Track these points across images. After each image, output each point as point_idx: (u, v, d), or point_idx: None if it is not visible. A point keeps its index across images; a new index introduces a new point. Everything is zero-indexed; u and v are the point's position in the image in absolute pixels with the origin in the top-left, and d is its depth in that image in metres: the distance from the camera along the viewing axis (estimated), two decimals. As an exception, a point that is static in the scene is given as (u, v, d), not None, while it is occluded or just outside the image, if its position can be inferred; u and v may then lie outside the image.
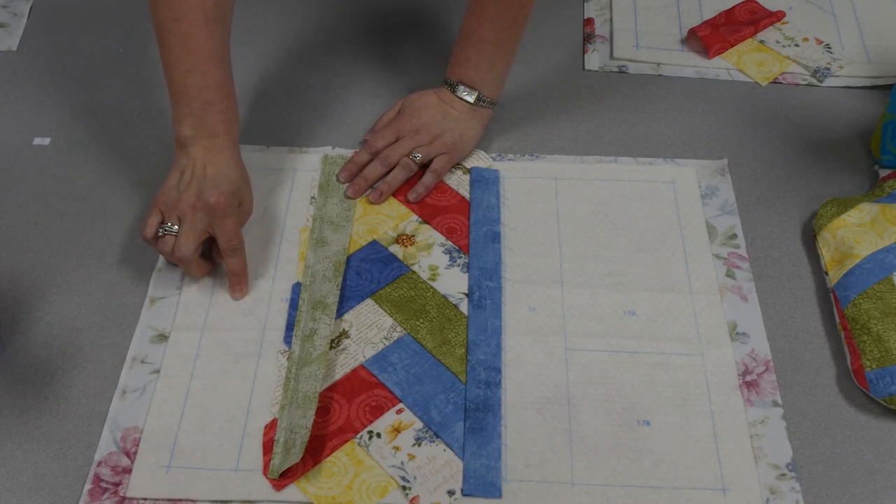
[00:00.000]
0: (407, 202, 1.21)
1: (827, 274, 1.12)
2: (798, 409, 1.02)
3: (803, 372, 1.05)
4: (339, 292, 1.10)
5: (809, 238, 1.18)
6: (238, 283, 1.11)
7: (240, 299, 1.11)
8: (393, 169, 1.22)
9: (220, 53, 1.08)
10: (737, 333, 1.08)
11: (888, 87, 1.35)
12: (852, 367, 1.04)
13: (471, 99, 1.23)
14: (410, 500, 0.94)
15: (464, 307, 1.10)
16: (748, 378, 1.04)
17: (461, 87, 1.23)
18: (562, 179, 1.23)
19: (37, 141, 1.29)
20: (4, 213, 1.20)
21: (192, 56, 1.06)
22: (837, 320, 1.08)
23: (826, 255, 1.13)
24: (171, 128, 1.27)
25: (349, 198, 1.21)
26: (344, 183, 1.22)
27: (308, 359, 1.03)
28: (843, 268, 1.10)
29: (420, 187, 1.21)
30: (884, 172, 1.23)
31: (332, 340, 1.06)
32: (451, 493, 0.95)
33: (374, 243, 1.16)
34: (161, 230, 1.07)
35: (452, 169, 1.25)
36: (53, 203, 1.21)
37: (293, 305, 1.09)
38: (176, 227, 1.06)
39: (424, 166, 1.23)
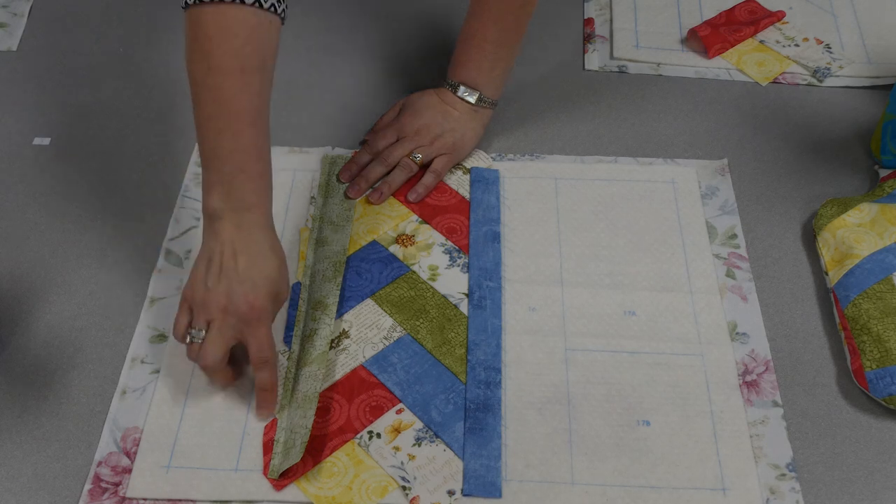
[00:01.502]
0: (407, 202, 1.21)
1: (827, 274, 1.12)
2: (798, 409, 1.02)
3: (803, 372, 1.05)
4: (339, 292, 1.09)
5: (809, 238, 1.18)
6: (267, 400, 1.00)
7: (266, 420, 1.00)
8: (393, 169, 1.22)
9: (257, 108, 0.97)
10: (737, 333, 1.08)
11: (888, 87, 1.35)
12: (852, 367, 1.04)
13: (472, 99, 1.23)
14: (410, 501, 0.94)
15: (464, 307, 1.10)
16: (748, 378, 1.04)
17: (462, 88, 1.23)
18: (562, 179, 1.23)
19: (37, 141, 1.29)
20: (4, 213, 1.20)
21: (225, 113, 0.96)
22: (837, 320, 1.08)
23: (826, 255, 1.13)
24: (170, 128, 1.28)
25: (349, 198, 1.21)
26: (344, 183, 1.22)
27: (308, 359, 1.03)
28: (843, 268, 1.10)
29: (420, 188, 1.21)
30: (884, 172, 1.22)
31: (332, 340, 1.06)
32: (451, 493, 0.95)
33: (373, 243, 1.16)
34: (188, 336, 0.98)
35: (452, 169, 1.25)
36: (53, 203, 1.21)
37: (293, 305, 1.09)
38: (203, 332, 0.97)
39: (425, 166, 1.23)
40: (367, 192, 1.22)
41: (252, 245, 0.97)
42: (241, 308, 0.95)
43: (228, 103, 0.95)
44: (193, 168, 1.24)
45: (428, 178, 1.22)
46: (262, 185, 0.99)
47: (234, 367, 1.02)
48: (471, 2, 1.20)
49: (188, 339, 0.98)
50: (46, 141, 1.29)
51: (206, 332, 0.97)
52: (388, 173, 1.22)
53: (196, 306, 0.97)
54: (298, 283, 1.12)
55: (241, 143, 0.96)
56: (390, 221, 1.19)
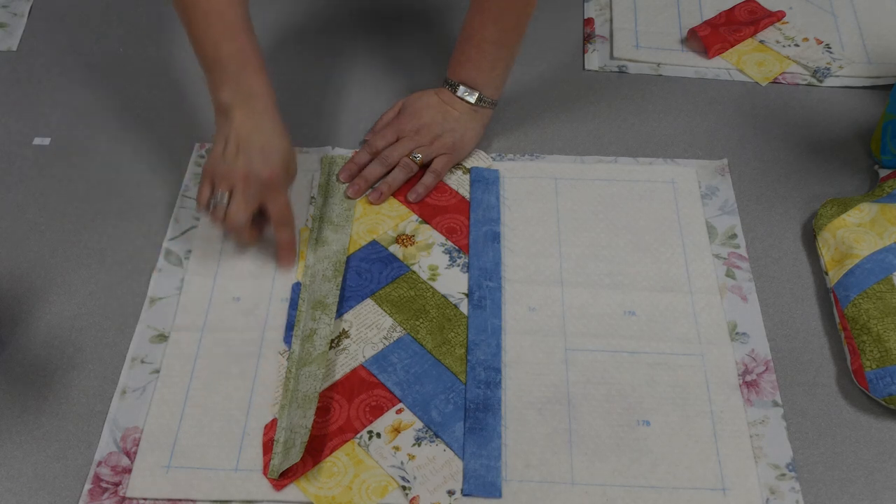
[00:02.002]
0: (407, 202, 1.21)
1: (827, 274, 1.12)
2: (798, 409, 1.02)
3: (803, 372, 1.05)
4: (339, 292, 1.10)
5: (809, 238, 1.18)
6: (287, 256, 1.13)
7: (288, 271, 1.13)
8: (393, 169, 1.22)
9: (245, 23, 1.11)
10: (737, 333, 1.08)
11: (888, 87, 1.35)
12: (852, 367, 1.04)
13: (472, 99, 1.23)
14: (410, 500, 0.94)
15: (464, 307, 1.10)
16: (748, 378, 1.04)
17: (462, 88, 1.23)
18: (562, 179, 1.23)
19: (37, 141, 1.29)
20: (4, 213, 1.20)
21: (219, 26, 1.09)
22: (837, 320, 1.08)
23: (826, 255, 1.13)
24: (170, 128, 1.28)
25: (349, 198, 1.21)
26: (344, 183, 1.22)
27: (308, 359, 1.03)
28: (843, 268, 1.10)
29: (420, 187, 1.21)
30: (884, 172, 1.22)
31: (332, 340, 1.06)
32: (451, 492, 0.95)
33: (373, 243, 1.16)
34: (212, 202, 1.09)
35: (452, 169, 1.25)
36: (53, 203, 1.21)
37: (293, 305, 1.09)
38: (226, 197, 1.08)
39: (424, 166, 1.23)
40: (367, 193, 1.22)
41: (263, 126, 1.09)
42: (262, 175, 1.08)
43: (220, 19, 1.09)
44: (193, 168, 1.24)
45: (428, 178, 1.22)
46: (264, 78, 1.11)
47: (255, 229, 1.13)
48: (471, 1, 1.20)
49: (212, 205, 1.09)
50: (46, 141, 1.29)
51: (231, 197, 1.08)
52: (387, 173, 1.22)
53: (218, 177, 1.09)
54: (298, 283, 1.12)
55: (239, 45, 1.09)
56: (390, 221, 1.19)
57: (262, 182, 1.08)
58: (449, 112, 1.23)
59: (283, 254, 1.13)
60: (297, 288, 1.11)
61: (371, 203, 1.20)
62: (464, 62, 1.23)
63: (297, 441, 0.95)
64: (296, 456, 0.94)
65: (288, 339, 1.07)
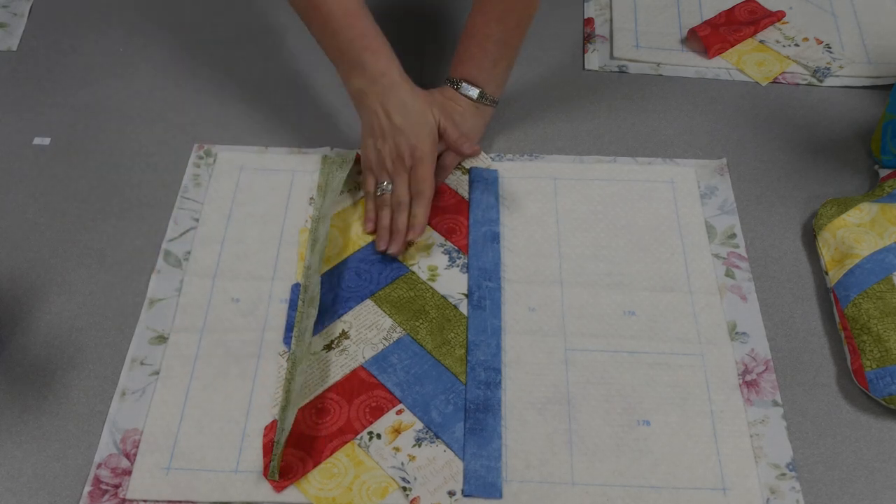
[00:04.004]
0: None
1: (827, 274, 1.12)
2: (798, 408, 1.02)
3: (803, 372, 1.05)
4: (319, 279, 1.10)
5: (809, 238, 1.18)
6: (417, 225, 1.14)
7: (396, 255, 1.14)
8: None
9: (359, 6, 1.16)
10: (736, 333, 1.08)
11: (888, 87, 1.35)
12: (852, 367, 1.04)
13: (474, 95, 1.23)
14: (411, 501, 0.94)
15: (463, 307, 1.10)
16: (748, 378, 1.04)
17: (464, 84, 1.23)
18: (561, 179, 1.23)
19: (37, 141, 1.29)
20: (4, 213, 1.20)
21: (336, 16, 1.14)
22: (837, 320, 1.08)
23: (826, 254, 1.13)
24: (170, 128, 1.28)
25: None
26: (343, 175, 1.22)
27: (302, 357, 1.03)
28: (843, 267, 1.10)
29: None
30: (884, 172, 1.22)
31: (332, 341, 1.07)
32: (451, 493, 0.95)
33: (373, 244, 1.16)
34: (379, 191, 1.17)
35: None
36: (53, 203, 1.21)
37: (292, 306, 1.09)
38: (389, 184, 1.16)
39: None
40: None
41: (397, 101, 1.15)
42: (405, 154, 1.14)
43: (332, 12, 1.14)
44: (192, 169, 1.24)
45: (437, 174, 1.22)
46: (386, 53, 1.16)
47: None
48: (474, 1, 1.20)
49: (379, 192, 1.17)
50: (46, 141, 1.29)
51: (392, 183, 1.16)
52: None
53: (375, 168, 1.18)
54: (298, 284, 1.12)
55: (358, 31, 1.15)
56: (389, 222, 1.18)
57: (408, 160, 1.14)
58: (453, 108, 1.23)
59: (411, 227, 1.15)
60: (296, 289, 1.11)
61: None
62: (466, 60, 1.23)
63: (282, 438, 0.96)
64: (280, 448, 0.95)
65: (287, 340, 1.07)
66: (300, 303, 1.08)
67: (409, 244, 1.15)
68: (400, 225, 1.14)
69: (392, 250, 1.13)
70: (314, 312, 1.06)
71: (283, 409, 0.99)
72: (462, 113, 1.23)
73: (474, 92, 1.23)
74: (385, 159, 1.16)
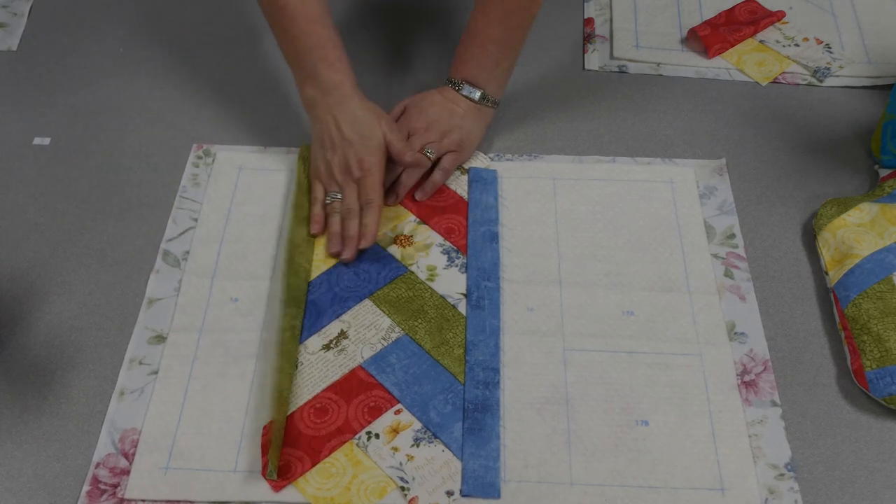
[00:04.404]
0: (405, 203, 1.21)
1: (827, 274, 1.12)
2: (798, 408, 1.02)
3: (803, 372, 1.05)
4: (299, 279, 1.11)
5: (809, 238, 1.18)
6: (368, 234, 1.13)
7: (348, 261, 1.15)
8: (405, 171, 1.21)
9: (320, 14, 1.16)
10: (735, 333, 1.08)
11: (888, 87, 1.35)
12: (852, 367, 1.04)
13: (475, 97, 1.23)
14: (409, 501, 0.94)
15: (462, 307, 1.10)
16: (746, 378, 1.04)
17: (466, 86, 1.23)
18: (560, 179, 1.23)
19: (37, 141, 1.29)
20: (4, 213, 1.20)
21: (296, 22, 1.15)
22: (837, 320, 1.08)
23: (826, 254, 1.13)
24: (170, 128, 1.28)
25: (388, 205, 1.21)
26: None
27: (288, 355, 1.04)
28: (844, 267, 1.10)
29: (428, 185, 1.21)
30: (884, 172, 1.22)
31: (331, 341, 1.07)
32: (449, 493, 0.95)
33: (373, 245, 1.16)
34: (328, 199, 1.18)
35: (450, 168, 1.25)
36: (53, 203, 1.21)
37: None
38: (339, 194, 1.17)
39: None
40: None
41: (348, 113, 1.16)
42: (354, 166, 1.15)
43: (295, 16, 1.15)
44: (191, 169, 1.25)
45: (437, 176, 1.22)
46: (342, 66, 1.17)
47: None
48: (476, 1, 1.20)
49: (328, 201, 1.17)
50: (46, 141, 1.29)
51: (342, 193, 1.17)
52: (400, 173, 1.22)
53: (324, 178, 1.18)
54: None
55: (316, 40, 1.16)
56: (388, 222, 1.19)
57: (356, 171, 1.15)
58: (454, 109, 1.23)
59: (361, 236, 1.14)
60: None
61: (388, 205, 1.21)
62: (467, 60, 1.23)
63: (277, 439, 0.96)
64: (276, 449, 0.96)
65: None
66: (280, 304, 1.09)
67: (360, 251, 1.15)
68: (351, 231, 1.15)
69: (345, 256, 1.14)
70: (297, 313, 1.07)
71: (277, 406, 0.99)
72: (462, 115, 1.23)
73: (476, 93, 1.23)
74: (334, 170, 1.17)
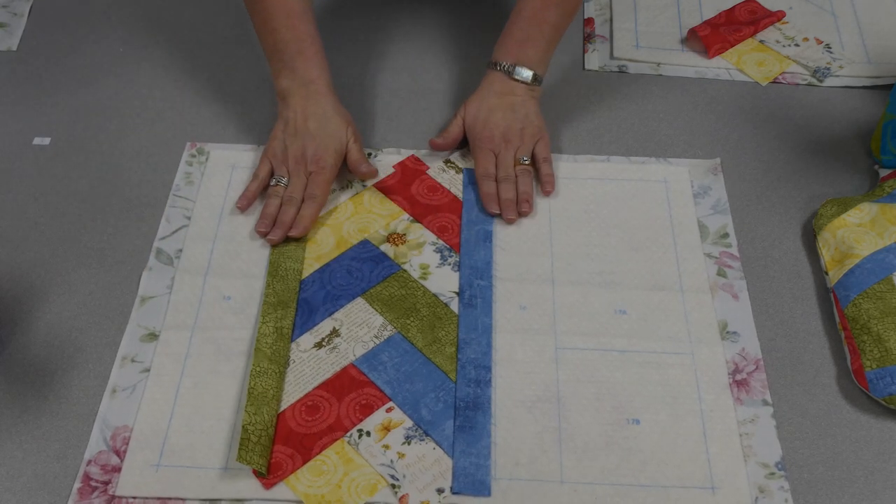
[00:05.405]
0: (399, 201, 1.21)
1: (827, 274, 1.12)
2: (798, 408, 1.02)
3: (803, 372, 1.05)
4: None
5: (809, 238, 1.17)
6: (301, 225, 1.15)
7: (273, 243, 1.15)
8: (518, 180, 1.21)
9: (302, 9, 1.20)
10: (727, 332, 1.07)
11: (888, 87, 1.34)
12: (852, 367, 1.03)
13: (528, 78, 1.24)
14: (400, 499, 0.94)
15: (454, 306, 1.10)
16: (738, 377, 1.04)
17: (519, 69, 1.24)
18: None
19: (37, 141, 1.29)
20: (4, 213, 1.20)
21: (277, 15, 1.19)
22: (837, 320, 1.07)
23: (826, 254, 1.13)
24: (169, 128, 1.28)
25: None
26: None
27: (275, 356, 1.04)
28: (843, 268, 1.10)
29: (546, 178, 1.21)
30: (884, 172, 1.22)
31: (323, 339, 1.07)
32: (440, 491, 0.95)
33: (364, 242, 1.16)
34: (274, 180, 1.19)
35: (446, 168, 1.25)
36: (53, 203, 1.22)
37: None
38: (285, 178, 1.19)
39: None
40: (493, 209, 1.19)
41: (318, 109, 1.20)
42: (309, 159, 1.18)
43: (278, 9, 1.19)
44: (184, 167, 1.25)
45: (546, 168, 1.22)
46: (319, 63, 1.21)
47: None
48: None
49: (273, 182, 1.19)
50: (46, 141, 1.29)
51: (288, 178, 1.19)
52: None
53: (276, 161, 1.21)
54: None
55: (296, 34, 1.20)
56: (381, 220, 1.19)
57: (310, 166, 1.18)
58: (513, 101, 1.24)
59: (296, 225, 1.15)
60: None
61: (514, 219, 1.19)
62: (523, 41, 1.24)
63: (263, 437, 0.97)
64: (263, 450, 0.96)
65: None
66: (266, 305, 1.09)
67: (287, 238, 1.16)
68: (286, 218, 1.16)
69: (272, 237, 1.15)
70: (285, 313, 1.07)
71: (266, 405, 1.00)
72: (523, 102, 1.24)
73: (528, 74, 1.24)
74: (289, 156, 1.19)
